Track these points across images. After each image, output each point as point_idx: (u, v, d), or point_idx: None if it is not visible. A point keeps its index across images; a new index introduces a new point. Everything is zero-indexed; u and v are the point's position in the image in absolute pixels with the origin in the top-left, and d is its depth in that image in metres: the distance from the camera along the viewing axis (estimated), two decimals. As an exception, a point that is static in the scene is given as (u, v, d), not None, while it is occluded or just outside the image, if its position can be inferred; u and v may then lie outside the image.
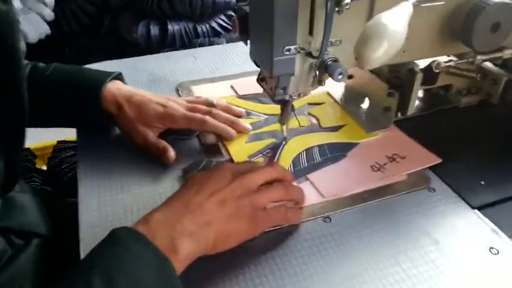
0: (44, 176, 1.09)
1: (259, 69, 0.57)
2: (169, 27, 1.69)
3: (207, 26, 1.75)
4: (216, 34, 1.76)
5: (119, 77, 0.68)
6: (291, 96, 0.56)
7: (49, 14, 1.81)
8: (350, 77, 0.75)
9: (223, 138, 0.66)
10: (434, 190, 0.56)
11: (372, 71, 0.68)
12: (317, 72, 0.52)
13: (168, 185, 0.59)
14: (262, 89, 0.58)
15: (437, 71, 0.60)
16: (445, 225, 0.51)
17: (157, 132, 0.64)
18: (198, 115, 0.64)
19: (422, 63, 0.62)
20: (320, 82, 0.54)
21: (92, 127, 0.69)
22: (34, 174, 1.07)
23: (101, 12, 1.96)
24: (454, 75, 0.66)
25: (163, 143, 0.63)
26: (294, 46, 0.48)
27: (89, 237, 0.50)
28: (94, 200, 0.56)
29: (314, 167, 0.61)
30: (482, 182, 0.56)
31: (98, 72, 0.67)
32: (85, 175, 0.60)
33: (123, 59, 0.91)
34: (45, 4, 1.79)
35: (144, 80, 0.84)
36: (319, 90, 0.73)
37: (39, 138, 1.45)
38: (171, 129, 0.65)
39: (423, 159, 0.61)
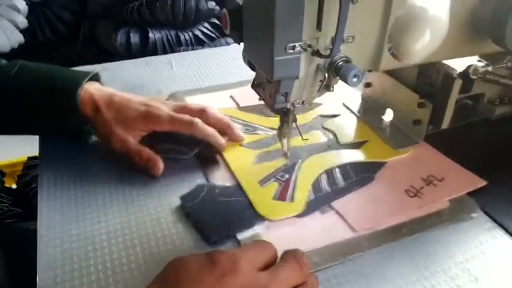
0: (13, 196, 1.01)
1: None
2: (150, 35, 1.63)
3: (190, 34, 1.69)
4: (200, 42, 1.70)
5: (95, 77, 0.60)
6: (293, 104, 0.47)
7: (22, 21, 1.73)
8: (368, 85, 0.66)
9: (212, 146, 0.57)
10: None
11: (396, 78, 0.60)
12: (326, 75, 0.43)
13: (158, 214, 0.49)
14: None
15: (475, 77, 0.52)
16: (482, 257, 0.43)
17: (139, 137, 0.56)
18: (186, 116, 0.57)
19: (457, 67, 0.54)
20: (328, 87, 0.46)
21: (66, 134, 0.60)
22: (2, 194, 0.99)
23: (78, 19, 1.88)
24: (488, 82, 0.56)
25: (147, 150, 0.55)
26: (299, 43, 0.40)
27: (48, 283, 0.41)
28: (57, 232, 0.46)
29: (339, 192, 0.51)
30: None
31: (73, 72, 0.58)
32: (47, 199, 0.51)
33: (96, 65, 0.81)
34: (18, 11, 1.71)
35: (120, 88, 0.74)
36: (332, 100, 0.68)
37: (8, 154, 1.34)
38: (164, 146, 0.56)
39: (464, 181, 0.52)
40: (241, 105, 0.69)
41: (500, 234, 0.46)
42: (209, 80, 0.78)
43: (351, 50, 0.43)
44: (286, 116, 0.50)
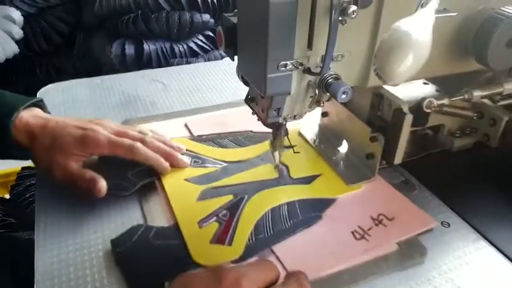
0: (6, 206, 1.01)
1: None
2: (145, 46, 1.64)
3: (185, 46, 1.71)
4: (194, 54, 1.72)
5: (39, 104, 0.58)
6: (285, 118, 0.49)
7: (17, 31, 1.74)
8: (325, 114, 0.64)
9: (156, 170, 0.55)
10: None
11: (350, 109, 0.58)
12: (316, 91, 0.45)
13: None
14: (221, 130, 0.51)
15: (429, 110, 0.50)
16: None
17: (80, 162, 0.53)
18: (127, 140, 0.54)
19: (409, 101, 0.52)
20: (318, 103, 0.48)
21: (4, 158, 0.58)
22: (-5, 204, 0.99)
23: (73, 31, 1.89)
24: (446, 115, 0.55)
25: (90, 172, 0.52)
26: (291, 61, 0.42)
27: (45, 291, 0.42)
28: (54, 242, 0.47)
29: (281, 235, 0.48)
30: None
31: (12, 98, 0.56)
32: (45, 210, 0.52)
33: (92, 77, 0.83)
34: (14, 21, 1.72)
35: (116, 100, 0.76)
36: (290, 129, 0.61)
37: (1, 164, 1.34)
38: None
39: (416, 221, 0.49)
40: (195, 134, 0.66)
41: (483, 246, 0.48)
42: (203, 93, 0.79)
43: (340, 68, 0.45)
44: (278, 130, 0.52)
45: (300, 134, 0.65)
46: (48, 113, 0.60)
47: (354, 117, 0.57)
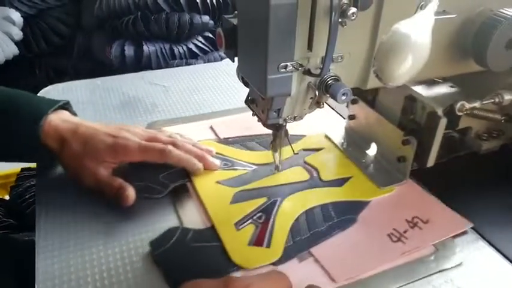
0: (6, 207, 1.01)
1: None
2: (145, 48, 1.64)
3: (184, 47, 1.71)
4: (194, 56, 1.72)
5: (65, 106, 0.58)
6: (285, 119, 0.49)
7: (17, 33, 1.74)
8: (352, 117, 0.65)
9: (189, 172, 0.56)
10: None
11: (380, 112, 0.58)
12: (316, 93, 0.45)
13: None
14: (247, 132, 0.51)
15: (461, 113, 0.51)
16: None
17: (110, 169, 0.54)
18: (158, 144, 0.55)
19: (442, 104, 0.52)
20: (318, 104, 0.48)
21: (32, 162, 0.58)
22: (-6, 205, 0.99)
23: (73, 32, 1.90)
24: (476, 118, 0.54)
25: (119, 180, 0.53)
26: (291, 63, 0.42)
27: (47, 291, 0.42)
28: (55, 242, 0.47)
29: (318, 237, 0.48)
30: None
31: (40, 101, 0.56)
32: (46, 211, 0.52)
33: (93, 79, 0.83)
34: (13, 23, 1.72)
35: (116, 102, 0.76)
36: (316, 132, 0.65)
37: (1, 165, 1.34)
38: (136, 185, 0.53)
39: (450, 223, 0.50)
40: (221, 136, 0.66)
41: (483, 246, 0.48)
42: (203, 94, 0.80)
43: (340, 69, 0.45)
44: (278, 130, 0.52)
45: (326, 136, 0.66)
46: (75, 114, 0.60)
47: (384, 120, 0.58)
